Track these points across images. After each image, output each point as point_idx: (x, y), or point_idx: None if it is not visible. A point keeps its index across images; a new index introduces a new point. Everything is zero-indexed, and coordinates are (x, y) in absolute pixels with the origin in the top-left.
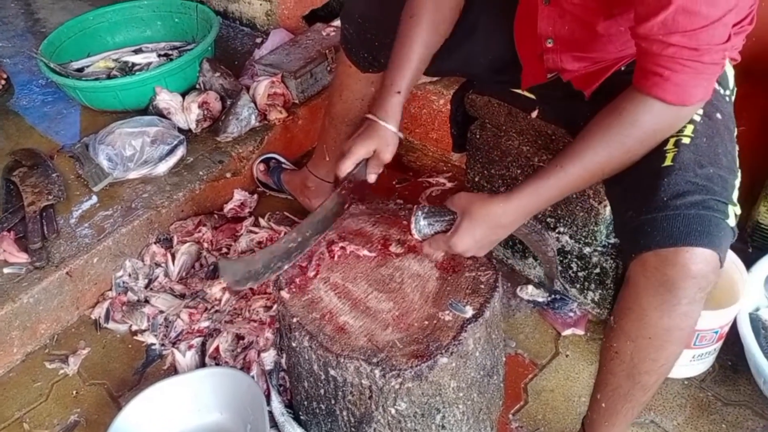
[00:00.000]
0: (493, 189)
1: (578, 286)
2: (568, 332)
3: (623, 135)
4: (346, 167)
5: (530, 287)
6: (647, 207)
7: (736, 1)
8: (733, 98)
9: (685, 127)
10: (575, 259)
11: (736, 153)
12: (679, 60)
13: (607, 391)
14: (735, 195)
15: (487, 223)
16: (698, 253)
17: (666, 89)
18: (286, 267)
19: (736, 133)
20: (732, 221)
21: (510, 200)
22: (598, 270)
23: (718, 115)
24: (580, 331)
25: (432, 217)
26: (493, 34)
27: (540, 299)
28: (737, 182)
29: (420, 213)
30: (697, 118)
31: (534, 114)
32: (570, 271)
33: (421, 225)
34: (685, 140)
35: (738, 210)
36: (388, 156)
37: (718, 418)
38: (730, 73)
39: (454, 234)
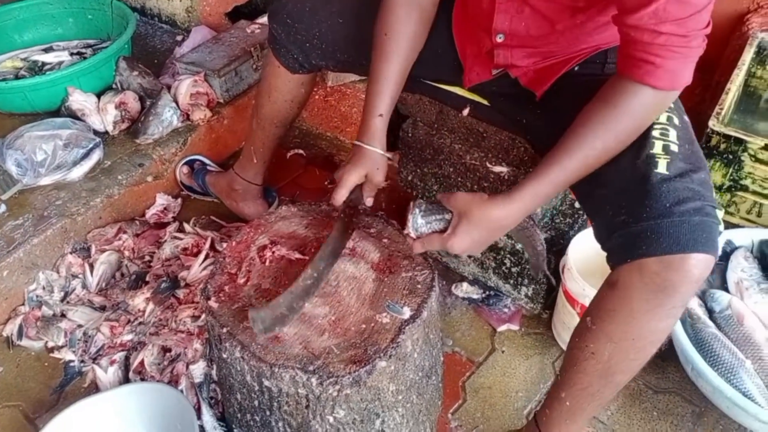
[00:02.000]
0: (426, 187)
1: (512, 281)
2: (503, 328)
3: (617, 124)
4: (341, 196)
5: (465, 284)
6: (648, 213)
7: None
8: None
9: (668, 131)
10: (508, 255)
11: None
12: (671, 47)
13: (575, 389)
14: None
15: (487, 226)
16: (702, 259)
17: (658, 76)
18: (306, 305)
19: None
20: (721, 225)
21: (511, 202)
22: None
23: (685, 117)
24: (515, 327)
25: (429, 216)
26: (433, 29)
27: (475, 296)
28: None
29: (418, 211)
30: (677, 121)
31: (465, 112)
32: (503, 267)
33: (418, 224)
34: (674, 147)
35: (722, 213)
36: (380, 178)
37: (650, 405)
38: None
39: (453, 236)
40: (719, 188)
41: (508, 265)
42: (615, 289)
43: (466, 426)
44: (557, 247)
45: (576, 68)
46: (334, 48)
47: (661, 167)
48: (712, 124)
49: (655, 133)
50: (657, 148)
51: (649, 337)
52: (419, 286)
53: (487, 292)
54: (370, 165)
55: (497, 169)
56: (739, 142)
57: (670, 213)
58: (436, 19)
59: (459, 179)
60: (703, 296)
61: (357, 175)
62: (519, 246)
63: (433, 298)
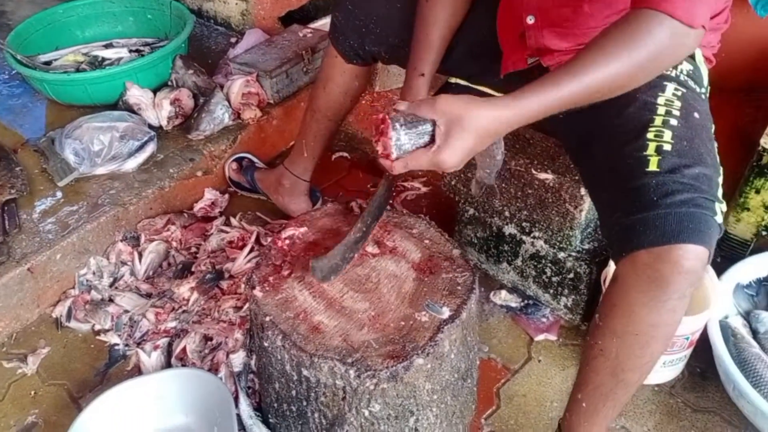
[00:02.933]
0: (468, 192)
1: (551, 291)
2: (540, 337)
3: (633, 51)
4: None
5: (504, 292)
6: (637, 207)
7: None
8: (707, 96)
9: (663, 132)
10: (549, 264)
11: (716, 150)
12: None
13: (589, 390)
14: (720, 192)
15: (482, 132)
16: (690, 249)
17: (676, 4)
18: (356, 256)
19: (713, 130)
20: (719, 218)
21: (514, 105)
22: (572, 275)
23: (696, 115)
24: (552, 337)
25: (411, 129)
26: (476, 18)
27: (513, 304)
28: (720, 179)
29: (398, 125)
30: (675, 122)
31: None
32: (544, 276)
33: (401, 141)
34: (667, 147)
35: (724, 207)
36: None
37: (688, 424)
38: (704, 72)
39: (444, 147)
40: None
41: (548, 274)
42: (615, 284)
43: None
44: (599, 258)
45: None
46: (388, 32)
47: (652, 165)
48: (764, 141)
49: (650, 135)
50: (650, 149)
51: (650, 331)
52: (459, 288)
53: (526, 301)
54: None
55: (542, 176)
56: None
57: (657, 205)
58: (479, 6)
59: (503, 185)
60: (747, 316)
61: None
62: (561, 255)
63: (473, 300)
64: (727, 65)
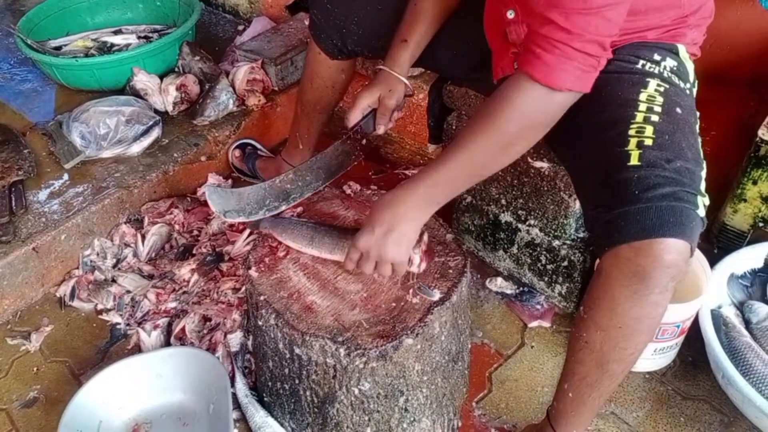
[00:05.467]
0: None
1: (546, 279)
2: (534, 324)
3: (500, 116)
4: (354, 117)
5: (499, 279)
6: (618, 201)
7: None
8: (694, 91)
9: (645, 128)
10: (544, 252)
11: (699, 145)
12: (551, 40)
13: (575, 380)
14: (702, 186)
15: (379, 206)
16: (671, 243)
17: (535, 66)
18: (283, 208)
19: (698, 125)
20: (701, 211)
21: (404, 184)
22: (566, 263)
23: (678, 110)
24: (546, 323)
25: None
26: (462, 27)
27: (508, 291)
28: (703, 173)
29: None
30: (656, 118)
31: None
32: (539, 264)
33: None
34: (648, 141)
35: (707, 201)
36: (392, 102)
37: (677, 411)
38: (690, 67)
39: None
40: (765, 200)
41: (543, 262)
42: (599, 277)
43: (490, 415)
44: (593, 246)
45: None
46: (371, 34)
47: (633, 160)
48: (762, 133)
49: (631, 131)
50: (631, 144)
51: (633, 324)
52: (451, 271)
53: (521, 288)
54: (384, 87)
55: (538, 164)
56: None
57: (638, 199)
58: (471, 10)
59: (499, 173)
60: (741, 306)
61: (370, 96)
62: (555, 243)
63: (464, 284)
64: (732, 58)
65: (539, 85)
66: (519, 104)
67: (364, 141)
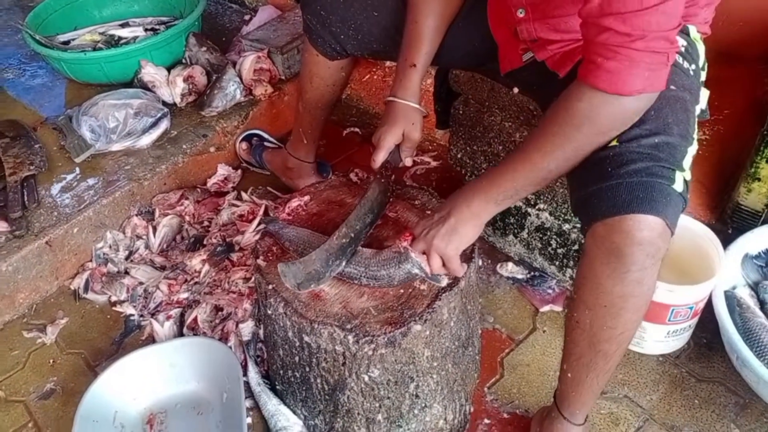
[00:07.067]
0: (475, 165)
1: (557, 263)
2: (546, 308)
3: (566, 126)
4: (380, 158)
5: (510, 264)
6: (593, 179)
7: None
8: (703, 74)
9: None
10: (554, 236)
11: (691, 122)
12: (611, 46)
13: (572, 360)
14: (686, 162)
15: (453, 204)
16: (642, 219)
17: (598, 76)
18: (344, 264)
19: (697, 105)
20: (679, 186)
21: (471, 182)
22: (576, 247)
23: (672, 87)
24: (558, 308)
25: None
26: (469, 22)
27: (519, 276)
28: (690, 149)
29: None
30: None
31: (516, 90)
32: (549, 248)
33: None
34: None
35: (687, 176)
36: (416, 135)
37: (692, 393)
38: (701, 48)
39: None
40: None
41: (554, 246)
42: (584, 257)
43: (502, 400)
44: None
45: None
46: (370, 39)
47: (613, 141)
48: None
49: None
50: None
51: (618, 303)
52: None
53: (532, 273)
54: (406, 122)
55: None
56: None
57: (610, 176)
58: (474, 7)
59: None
60: (755, 287)
61: (394, 136)
62: (566, 227)
63: (472, 270)
64: (745, 34)
65: (607, 94)
66: (589, 115)
67: (393, 177)
